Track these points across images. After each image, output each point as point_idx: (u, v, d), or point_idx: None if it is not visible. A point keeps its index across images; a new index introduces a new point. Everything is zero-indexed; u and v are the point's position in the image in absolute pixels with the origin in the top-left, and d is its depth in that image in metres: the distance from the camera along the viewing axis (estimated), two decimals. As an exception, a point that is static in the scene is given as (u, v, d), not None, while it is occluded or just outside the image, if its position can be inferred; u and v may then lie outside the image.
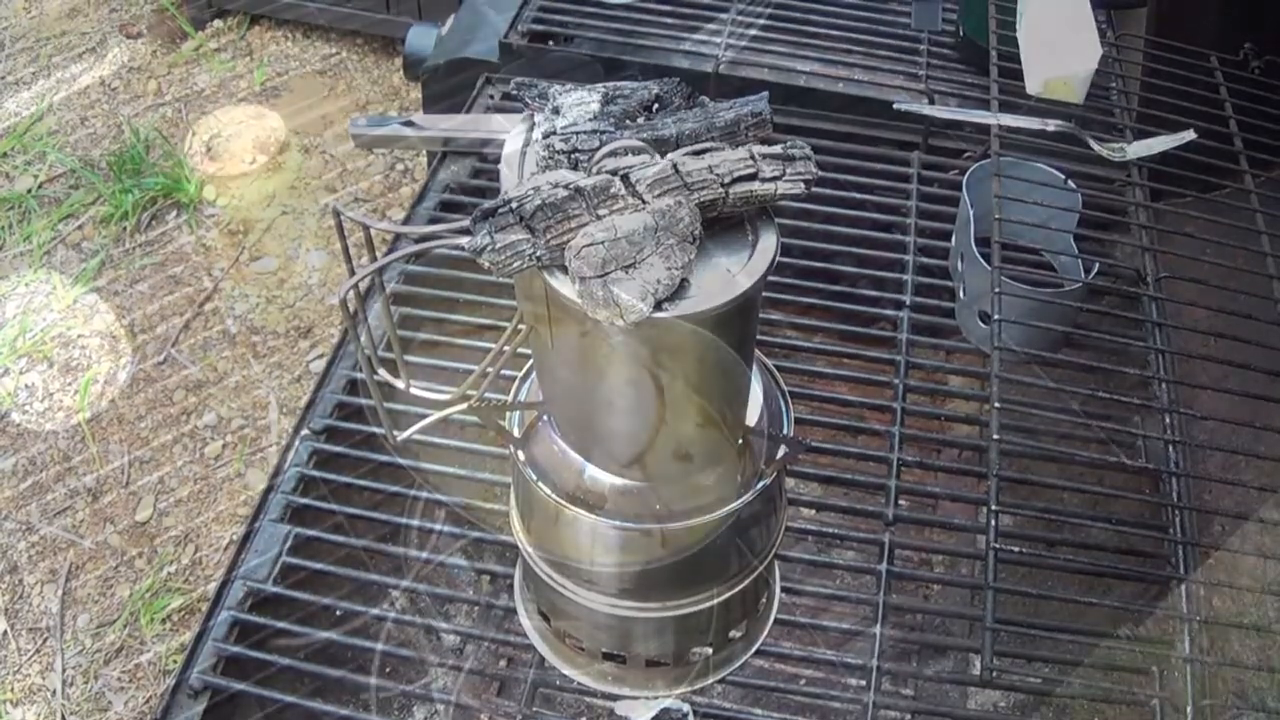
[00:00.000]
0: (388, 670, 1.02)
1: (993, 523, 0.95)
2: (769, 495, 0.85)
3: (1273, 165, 1.21)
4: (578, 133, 0.70)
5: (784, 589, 1.01)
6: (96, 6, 2.78)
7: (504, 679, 1.10)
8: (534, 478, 0.82)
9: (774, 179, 0.67)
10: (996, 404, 1.00)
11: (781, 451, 0.83)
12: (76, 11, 2.77)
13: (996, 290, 1.08)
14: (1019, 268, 1.15)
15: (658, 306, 0.65)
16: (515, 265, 0.65)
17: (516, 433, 0.85)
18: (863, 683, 0.98)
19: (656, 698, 0.93)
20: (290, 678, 1.00)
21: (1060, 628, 1.02)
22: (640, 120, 0.72)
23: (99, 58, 2.63)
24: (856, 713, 0.97)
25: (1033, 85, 1.25)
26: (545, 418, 0.83)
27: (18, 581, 1.71)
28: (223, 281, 2.15)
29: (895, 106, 1.36)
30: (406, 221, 1.39)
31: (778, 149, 0.68)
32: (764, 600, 0.97)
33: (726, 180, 0.67)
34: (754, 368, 0.83)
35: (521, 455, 0.83)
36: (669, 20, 1.58)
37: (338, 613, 1.04)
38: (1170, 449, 1.12)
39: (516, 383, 0.88)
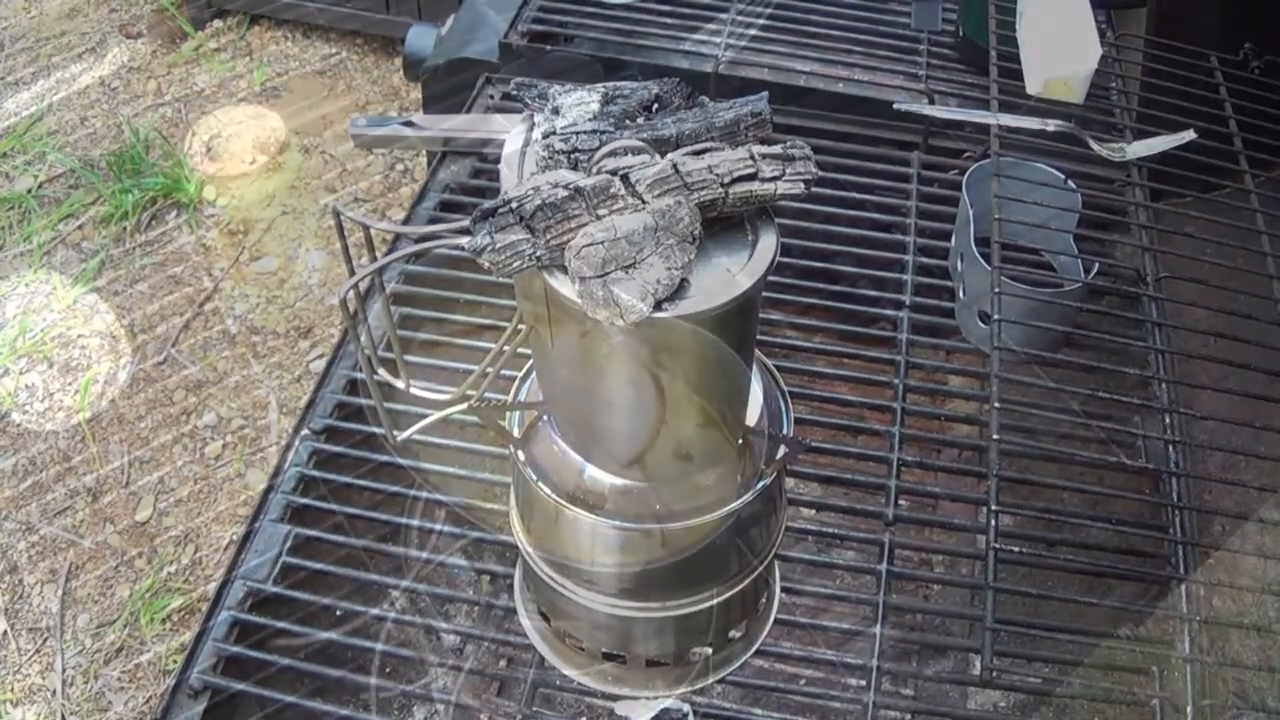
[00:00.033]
0: (388, 670, 1.02)
1: (993, 523, 0.95)
2: (769, 495, 0.85)
3: (1273, 165, 1.21)
4: (578, 133, 0.70)
5: (784, 589, 1.01)
6: (96, 6, 2.78)
7: (504, 679, 1.10)
8: (534, 478, 0.82)
9: (774, 179, 0.67)
10: (996, 404, 1.00)
11: (781, 451, 0.83)
12: (76, 11, 2.77)
13: (996, 290, 1.08)
14: (1019, 268, 1.15)
15: (658, 306, 0.65)
16: (515, 265, 0.65)
17: (516, 433, 0.85)
18: (863, 683, 0.98)
19: (656, 698, 0.93)
20: (290, 678, 1.00)
21: (1060, 628, 1.02)
22: (640, 120, 0.72)
23: (99, 58, 2.63)
24: (856, 713, 0.97)
25: (1033, 85, 1.25)
26: (545, 418, 0.83)
27: (18, 581, 1.71)
28: (223, 281, 2.15)
29: (895, 106, 1.36)
30: (406, 221, 1.39)
31: (778, 149, 0.68)
32: (764, 600, 0.97)
33: (726, 180, 0.67)
34: (754, 368, 0.83)
35: (521, 455, 0.83)
36: (669, 20, 1.58)
37: (338, 613, 1.04)
38: (1170, 449, 1.12)
39: (516, 383, 0.88)
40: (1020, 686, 1.02)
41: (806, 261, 1.30)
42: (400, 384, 0.79)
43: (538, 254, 0.65)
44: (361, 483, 1.13)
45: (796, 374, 1.22)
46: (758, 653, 0.98)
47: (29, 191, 2.30)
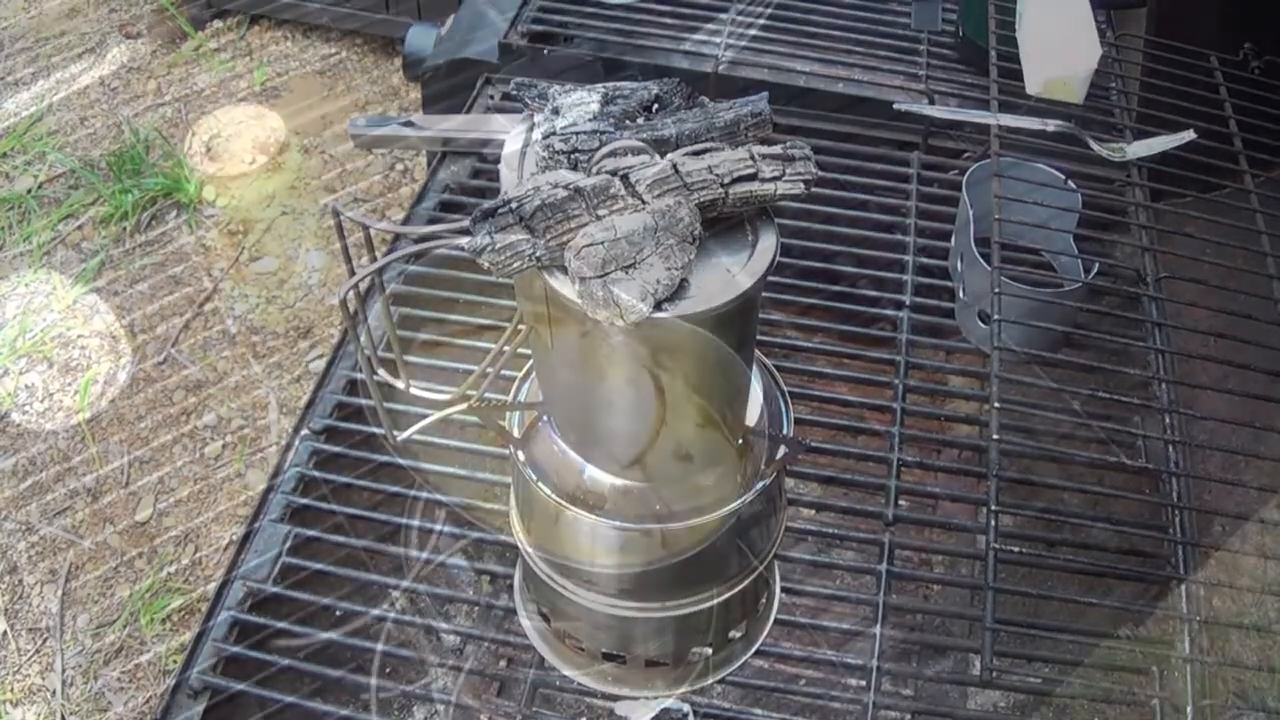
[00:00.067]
0: (388, 670, 1.02)
1: (993, 523, 0.95)
2: (769, 495, 0.85)
3: (1273, 165, 1.21)
4: (577, 133, 0.70)
5: (784, 589, 1.01)
6: (96, 6, 2.78)
7: (504, 679, 1.10)
8: (534, 478, 0.82)
9: (774, 179, 0.67)
10: (996, 404, 1.00)
11: (781, 451, 0.83)
12: (76, 11, 2.77)
13: (996, 290, 1.08)
14: (1019, 268, 1.15)
15: (658, 306, 0.65)
16: (515, 265, 0.65)
17: (516, 433, 0.85)
18: (863, 683, 0.98)
19: (656, 698, 0.93)
20: (290, 678, 1.00)
21: (1060, 628, 1.02)
22: (640, 120, 0.72)
23: (98, 58, 2.63)
24: (856, 713, 0.97)
25: (1033, 85, 1.25)
26: (545, 418, 0.83)
27: (18, 581, 1.71)
28: (223, 281, 2.15)
29: (895, 106, 1.36)
30: (406, 221, 1.39)
31: (778, 149, 0.68)
32: (764, 600, 0.97)
33: (726, 180, 0.67)
34: (754, 368, 0.83)
35: (521, 455, 0.83)
36: (669, 20, 1.58)
37: (338, 613, 1.04)
38: (1170, 449, 1.12)
39: (516, 383, 0.88)
40: (1020, 686, 1.02)
41: (806, 261, 1.30)
42: (400, 384, 0.79)
43: (538, 254, 0.65)
44: (361, 483, 1.13)
45: (796, 374, 1.22)
46: (758, 653, 0.98)
47: (29, 191, 2.30)
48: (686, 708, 0.94)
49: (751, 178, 0.67)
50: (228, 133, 2.43)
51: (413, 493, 1.10)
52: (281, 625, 1.01)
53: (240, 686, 0.97)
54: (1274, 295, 1.07)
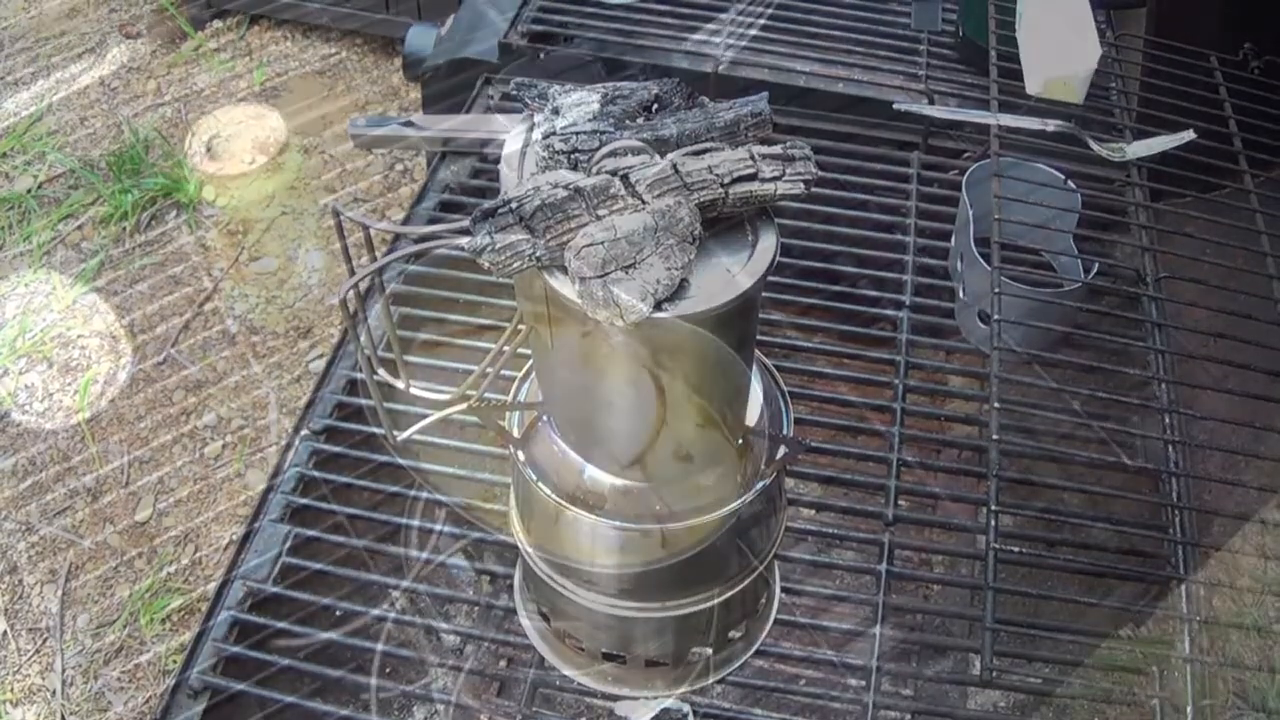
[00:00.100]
0: (388, 670, 1.02)
1: (993, 523, 0.95)
2: (769, 495, 0.85)
3: (1273, 165, 1.21)
4: (578, 133, 0.70)
5: (784, 589, 1.01)
6: (96, 6, 2.78)
7: (504, 679, 1.10)
8: (534, 478, 0.82)
9: (774, 179, 0.67)
10: (996, 404, 1.00)
11: (781, 451, 0.83)
12: (76, 11, 2.77)
13: (996, 290, 1.08)
14: (1019, 268, 1.15)
15: (658, 306, 0.65)
16: (515, 265, 0.65)
17: (516, 433, 0.85)
18: (863, 683, 0.98)
19: (656, 698, 0.93)
20: (290, 678, 1.00)
21: (1060, 628, 1.02)
22: (640, 120, 0.72)
23: (98, 58, 2.63)
24: (856, 713, 0.97)
25: (1033, 85, 1.25)
26: (545, 418, 0.83)
27: (18, 581, 1.71)
28: (222, 281, 2.15)
29: (895, 106, 1.36)
30: (406, 221, 1.39)
31: (778, 149, 0.68)
32: (764, 600, 0.97)
33: (726, 180, 0.67)
34: (754, 368, 0.83)
35: (521, 455, 0.83)
36: (669, 20, 1.58)
37: (338, 613, 1.04)
38: (1170, 449, 1.12)
39: (516, 383, 0.88)
40: (1020, 686, 1.02)
41: (806, 261, 1.30)
42: (400, 384, 0.79)
43: (538, 254, 0.65)
44: (361, 483, 1.13)
45: (796, 374, 1.22)
46: (758, 653, 0.98)
47: (29, 191, 2.30)
48: (686, 708, 0.94)
49: (751, 178, 0.67)
50: (227, 133, 2.43)
51: (413, 493, 1.10)
52: (281, 625, 1.01)
53: (240, 686, 0.97)
54: (1274, 295, 1.07)
